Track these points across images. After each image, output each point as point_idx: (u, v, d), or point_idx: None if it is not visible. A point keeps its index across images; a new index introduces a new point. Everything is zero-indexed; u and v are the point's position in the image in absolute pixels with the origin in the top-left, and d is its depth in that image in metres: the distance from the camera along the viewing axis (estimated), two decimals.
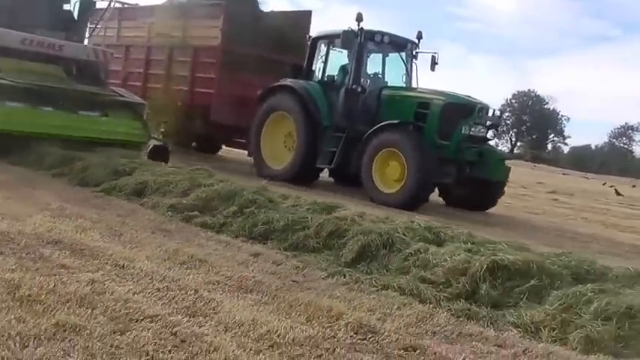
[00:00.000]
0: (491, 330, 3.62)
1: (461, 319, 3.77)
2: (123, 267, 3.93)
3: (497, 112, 10.16)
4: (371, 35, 9.94)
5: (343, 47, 10.17)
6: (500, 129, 11.43)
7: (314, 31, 11.50)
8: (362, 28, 9.81)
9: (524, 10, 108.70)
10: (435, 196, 9.80)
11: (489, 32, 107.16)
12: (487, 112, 9.49)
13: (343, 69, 10.41)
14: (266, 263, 4.59)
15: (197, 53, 12.20)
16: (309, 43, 10.95)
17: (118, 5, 13.42)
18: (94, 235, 4.74)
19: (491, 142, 10.58)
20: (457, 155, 9.10)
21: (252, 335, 3.03)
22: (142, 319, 3.04)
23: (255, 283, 3.97)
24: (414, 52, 10.61)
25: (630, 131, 79.44)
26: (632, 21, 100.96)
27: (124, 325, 2.93)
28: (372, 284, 4.26)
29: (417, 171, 8.56)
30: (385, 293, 4.11)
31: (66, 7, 10.71)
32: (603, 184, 32.45)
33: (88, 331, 2.78)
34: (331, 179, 11.29)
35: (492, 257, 4.27)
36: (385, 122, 9.15)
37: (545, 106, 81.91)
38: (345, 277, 4.40)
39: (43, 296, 3.16)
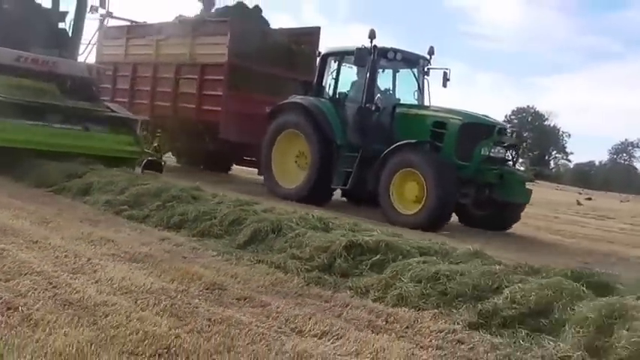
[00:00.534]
0: (330, 292, 4.42)
1: (310, 284, 4.58)
2: (36, 242, 4.77)
3: (516, 133, 9.85)
4: (384, 52, 9.80)
5: (357, 64, 10.02)
6: (520, 150, 11.01)
7: (322, 48, 11.51)
8: (375, 45, 9.71)
9: (528, 26, 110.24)
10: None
11: (491, 49, 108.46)
12: (506, 133, 9.33)
13: (354, 85, 10.41)
14: (168, 245, 5.42)
15: (204, 70, 12.25)
16: (319, 59, 10.93)
17: (125, 23, 14.22)
18: (25, 222, 5.59)
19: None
20: (477, 176, 9.02)
21: (115, 286, 3.85)
22: (29, 274, 3.86)
23: (145, 256, 4.80)
24: (425, 69, 10.52)
25: (630, 147, 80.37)
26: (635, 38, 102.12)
27: (11, 276, 3.76)
28: (250, 260, 5.08)
29: (438, 191, 8.37)
30: (257, 266, 4.93)
31: (61, 25, 11.05)
32: (580, 194, 33.27)
33: None
34: (344, 199, 11.09)
35: (350, 237, 5.11)
36: (403, 142, 8.97)
37: (546, 122, 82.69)
38: (232, 255, 5.22)
39: None
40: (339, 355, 3.11)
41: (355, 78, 10.49)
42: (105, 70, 12.00)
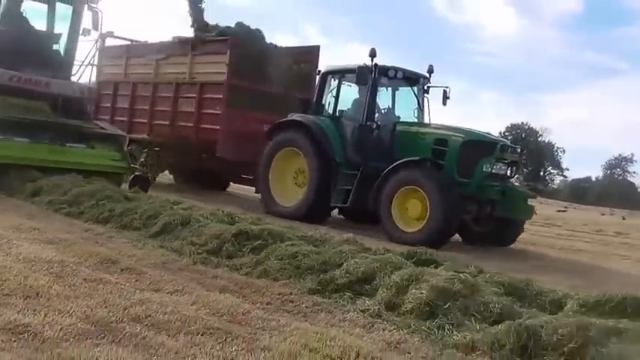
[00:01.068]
0: (208, 268, 5.31)
1: (197, 263, 5.46)
2: None
3: (518, 150, 10.01)
4: (385, 71, 9.92)
5: (358, 83, 10.16)
6: (520, 166, 10.79)
7: (321, 66, 11.57)
8: (376, 63, 9.83)
9: (528, 43, 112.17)
10: None
11: (493, 65, 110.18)
12: (508, 150, 9.40)
13: (354, 103, 10.52)
14: (88, 234, 6.32)
15: (203, 89, 12.36)
16: (318, 77, 11.03)
17: (126, 42, 14.71)
18: None
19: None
20: (478, 193, 9.10)
21: (19, 258, 4.74)
22: None
23: (62, 240, 5.69)
24: (425, 87, 10.65)
25: (624, 162, 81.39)
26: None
27: None
28: (153, 245, 5.99)
29: (441, 208, 8.44)
30: (158, 250, 5.83)
31: (55, 47, 11.37)
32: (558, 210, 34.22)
33: None
34: (341, 217, 11.15)
35: (240, 227, 6.02)
36: (405, 159, 9.03)
37: (540, 139, 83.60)
38: (140, 242, 6.12)
39: None
40: (174, 302, 3.99)
41: (355, 96, 10.67)
42: (97, 90, 12.41)
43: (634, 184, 77.22)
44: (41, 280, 4.06)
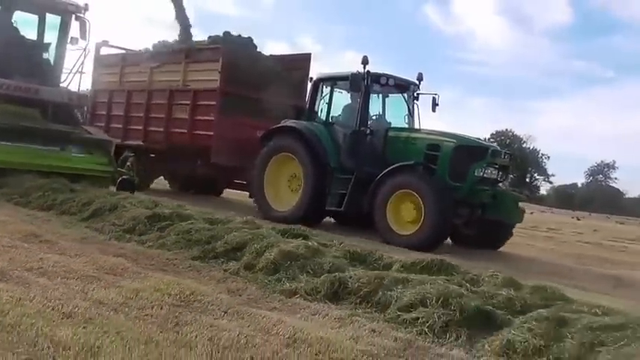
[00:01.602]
0: (120, 242, 6.36)
1: (112, 239, 6.52)
2: None
3: (508, 154, 10.21)
4: (377, 78, 10.23)
5: (352, 90, 10.45)
6: (510, 170, 11.50)
7: (313, 73, 11.82)
8: (368, 70, 10.13)
9: (516, 51, 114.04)
10: None
11: (482, 73, 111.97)
12: (499, 155, 9.68)
13: (346, 110, 10.82)
14: (27, 217, 7.37)
15: (197, 96, 12.60)
16: (310, 84, 11.28)
17: (121, 51, 15.06)
18: None
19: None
20: (470, 197, 9.35)
21: None
22: None
23: (1, 222, 6.73)
24: (415, 94, 11.00)
25: (606, 169, 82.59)
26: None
27: None
28: (79, 226, 7.06)
29: (435, 211, 8.71)
30: (82, 229, 6.90)
31: (45, 55, 11.82)
32: (531, 213, 35.31)
33: None
34: (332, 219, 11.38)
35: (153, 210, 7.10)
36: (399, 164, 9.31)
37: (525, 145, 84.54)
38: (71, 224, 7.18)
39: None
40: (70, 262, 5.03)
41: (346, 102, 11.00)
42: (86, 96, 12.93)
43: (619, 189, 78.61)
44: None
